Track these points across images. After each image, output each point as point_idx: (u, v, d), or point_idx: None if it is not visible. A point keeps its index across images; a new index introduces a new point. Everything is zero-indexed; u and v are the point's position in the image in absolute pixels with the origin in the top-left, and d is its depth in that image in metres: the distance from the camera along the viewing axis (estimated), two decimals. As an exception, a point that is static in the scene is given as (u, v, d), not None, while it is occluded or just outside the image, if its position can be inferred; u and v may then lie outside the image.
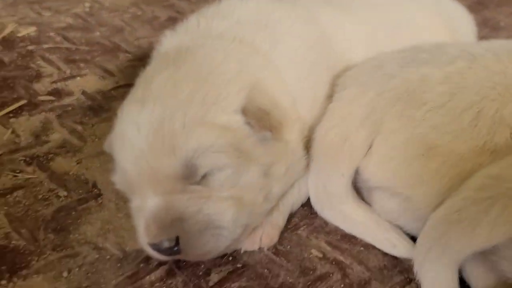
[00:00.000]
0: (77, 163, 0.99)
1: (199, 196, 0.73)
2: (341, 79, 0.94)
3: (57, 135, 1.06)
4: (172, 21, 1.58)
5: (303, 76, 0.90)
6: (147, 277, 0.77)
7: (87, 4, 1.70)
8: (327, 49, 0.98)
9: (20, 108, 1.13)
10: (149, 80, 0.79)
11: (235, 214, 0.74)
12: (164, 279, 0.77)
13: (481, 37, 1.42)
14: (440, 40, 1.12)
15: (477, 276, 0.78)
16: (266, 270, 0.80)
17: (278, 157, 0.80)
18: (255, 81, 0.79)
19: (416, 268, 0.77)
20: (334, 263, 0.83)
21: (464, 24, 1.28)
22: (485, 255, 0.76)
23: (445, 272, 0.74)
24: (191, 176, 0.73)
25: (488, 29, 1.73)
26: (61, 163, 0.98)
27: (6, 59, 1.31)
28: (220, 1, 0.99)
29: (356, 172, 0.87)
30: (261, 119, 0.76)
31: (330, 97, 0.93)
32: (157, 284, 0.77)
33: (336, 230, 0.89)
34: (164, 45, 0.94)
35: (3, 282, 0.74)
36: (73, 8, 1.66)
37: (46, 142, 1.03)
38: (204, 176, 0.74)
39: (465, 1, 1.39)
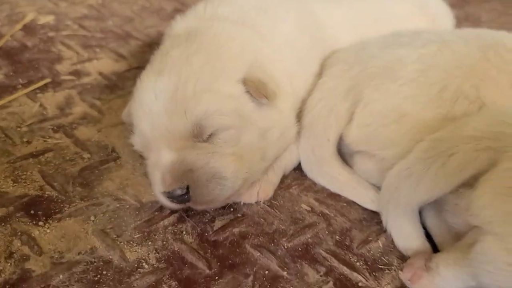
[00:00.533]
0: (98, 132, 1.11)
1: (207, 151, 0.85)
2: (330, 59, 1.07)
3: (79, 109, 1.18)
4: (177, 12, 1.69)
5: (297, 55, 1.02)
6: (161, 222, 0.90)
7: (99, -4, 1.84)
8: (319, 34, 1.11)
9: (46, 85, 1.25)
10: (165, 55, 0.92)
11: (236, 167, 0.86)
12: (176, 224, 0.90)
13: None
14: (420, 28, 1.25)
15: (434, 228, 0.89)
16: (262, 219, 0.93)
17: (273, 123, 0.93)
18: (255, 57, 0.92)
19: (383, 219, 0.90)
20: (320, 215, 0.95)
21: (442, 15, 1.41)
22: (438, 210, 0.87)
23: (406, 221, 0.86)
24: (200, 135, 0.85)
25: (470, 23, 1.85)
26: (83, 131, 1.11)
27: (29, 44, 1.44)
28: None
29: (341, 139, 0.99)
30: (258, 89, 0.88)
31: (319, 74, 1.05)
32: (170, 227, 0.89)
33: (323, 189, 1.01)
34: (175, 27, 1.05)
35: (41, 223, 0.87)
36: (87, 0, 1.78)
37: (70, 114, 1.16)
38: (210, 135, 0.86)
39: (450, -3, 1.52)
